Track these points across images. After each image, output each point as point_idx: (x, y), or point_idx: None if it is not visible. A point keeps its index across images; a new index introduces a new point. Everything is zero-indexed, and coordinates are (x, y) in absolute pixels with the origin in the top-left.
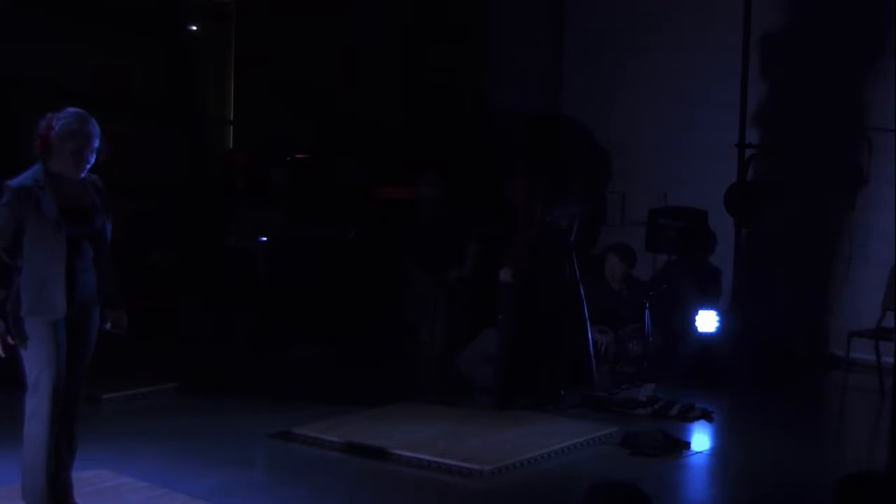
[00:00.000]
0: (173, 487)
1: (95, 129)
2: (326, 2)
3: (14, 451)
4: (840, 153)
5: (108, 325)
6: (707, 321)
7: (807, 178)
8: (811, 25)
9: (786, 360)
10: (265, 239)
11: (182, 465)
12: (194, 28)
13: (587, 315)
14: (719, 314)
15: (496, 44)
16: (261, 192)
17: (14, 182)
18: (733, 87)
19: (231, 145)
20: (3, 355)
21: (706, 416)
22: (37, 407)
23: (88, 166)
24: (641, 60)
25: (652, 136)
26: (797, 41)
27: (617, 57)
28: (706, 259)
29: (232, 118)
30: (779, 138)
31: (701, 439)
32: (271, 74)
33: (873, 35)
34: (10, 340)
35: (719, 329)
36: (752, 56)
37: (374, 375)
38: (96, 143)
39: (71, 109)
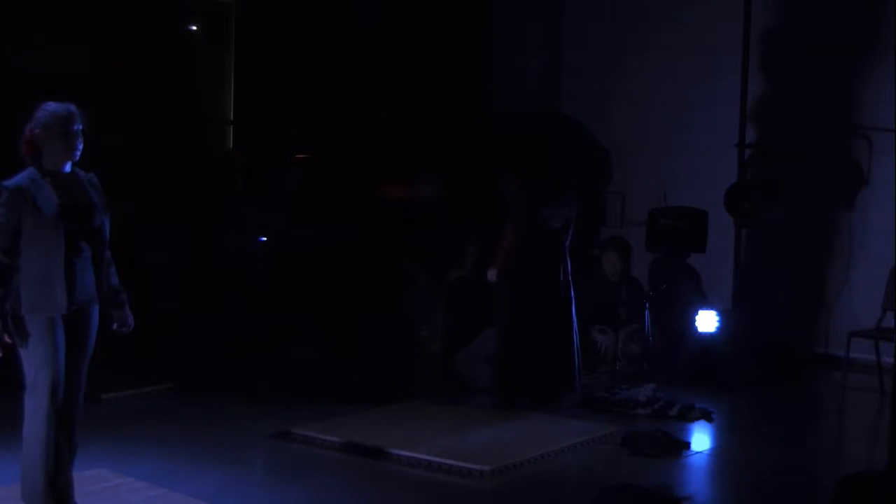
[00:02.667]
0: (173, 487)
1: (75, 109)
2: (326, 2)
3: (14, 451)
4: (840, 153)
5: (114, 325)
6: (707, 321)
7: (806, 178)
8: (811, 25)
9: (786, 360)
10: (265, 239)
11: (181, 464)
12: (194, 28)
13: (575, 321)
14: (719, 314)
15: (496, 44)
16: (261, 192)
17: (10, 182)
18: (733, 87)
19: (231, 145)
20: (0, 354)
21: (706, 416)
22: (36, 406)
23: (80, 147)
24: (641, 61)
25: (652, 136)
26: (797, 41)
27: (617, 57)
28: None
29: (232, 118)
30: (779, 138)
31: (701, 439)
32: (271, 74)
33: (873, 35)
34: (7, 339)
35: (719, 329)
36: (752, 56)
37: (374, 375)
38: (80, 126)
39: (46, 103)
